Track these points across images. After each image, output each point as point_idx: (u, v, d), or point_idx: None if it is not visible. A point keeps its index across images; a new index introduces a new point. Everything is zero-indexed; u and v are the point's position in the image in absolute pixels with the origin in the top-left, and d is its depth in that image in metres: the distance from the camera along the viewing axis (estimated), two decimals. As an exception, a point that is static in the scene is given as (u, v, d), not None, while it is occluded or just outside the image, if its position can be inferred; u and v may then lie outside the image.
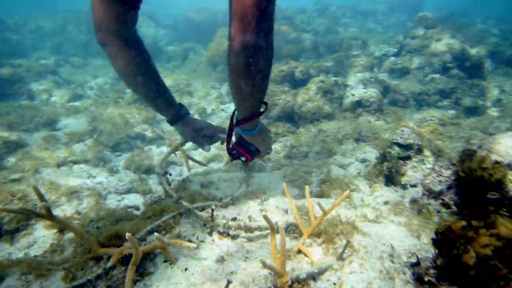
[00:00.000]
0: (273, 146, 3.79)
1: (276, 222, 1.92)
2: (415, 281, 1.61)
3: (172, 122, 2.19)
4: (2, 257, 1.66)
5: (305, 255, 1.73)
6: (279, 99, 4.49)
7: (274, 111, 4.50)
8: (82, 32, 10.18)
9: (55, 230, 2.01)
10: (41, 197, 1.41)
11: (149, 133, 3.93)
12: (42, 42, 9.95)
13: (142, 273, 1.45)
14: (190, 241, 1.65)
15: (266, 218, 1.44)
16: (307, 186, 2.64)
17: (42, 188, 2.29)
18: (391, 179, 2.72)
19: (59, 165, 2.90)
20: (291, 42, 7.59)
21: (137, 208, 2.38)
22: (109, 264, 1.42)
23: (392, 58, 6.30)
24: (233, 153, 2.06)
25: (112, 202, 2.43)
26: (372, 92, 4.45)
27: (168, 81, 6.05)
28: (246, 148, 2.05)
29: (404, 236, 2.07)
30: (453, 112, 4.90)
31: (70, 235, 2.00)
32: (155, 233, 1.35)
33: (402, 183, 2.63)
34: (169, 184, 2.20)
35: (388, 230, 2.11)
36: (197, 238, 1.67)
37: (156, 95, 2.05)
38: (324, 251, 1.77)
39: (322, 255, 1.75)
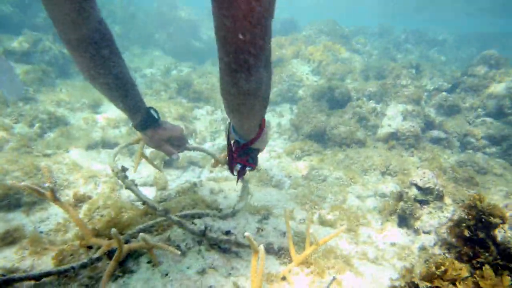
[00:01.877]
0: (295, 164, 3.78)
1: (270, 243, 1.91)
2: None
3: (138, 128, 1.86)
4: (16, 227, 1.82)
5: (289, 283, 1.72)
6: (314, 117, 4.47)
7: (306, 128, 4.47)
8: (148, 23, 10.80)
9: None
10: (49, 177, 1.53)
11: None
12: (111, 28, 10.66)
13: (124, 270, 1.52)
14: (178, 246, 1.70)
15: (249, 239, 1.45)
16: (311, 211, 2.62)
17: (65, 167, 2.49)
18: (404, 221, 2.60)
19: (89, 148, 3.11)
20: (341, 61, 7.49)
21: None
22: (96, 255, 1.51)
23: (444, 94, 5.98)
24: (239, 171, 2.03)
25: (127, 192, 2.56)
26: (410, 126, 4.27)
27: (213, 80, 6.27)
28: (246, 157, 1.98)
29: (400, 285, 1.97)
30: (501, 161, 4.55)
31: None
32: (141, 234, 1.42)
33: (416, 227, 2.50)
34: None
35: (386, 274, 2.02)
36: (186, 245, 1.72)
37: (119, 99, 1.75)
38: (309, 283, 1.74)
39: (307, 286, 1.73)
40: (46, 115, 3.38)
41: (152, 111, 1.85)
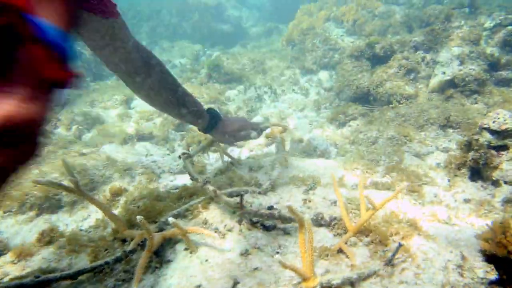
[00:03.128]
0: (341, 130, 3.46)
1: (319, 213, 1.69)
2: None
3: (208, 130, 2.02)
4: (52, 227, 1.78)
5: (347, 256, 1.48)
6: (354, 79, 4.08)
7: (348, 92, 4.11)
8: (173, 15, 10.83)
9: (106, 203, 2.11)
10: (69, 171, 1.43)
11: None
12: (139, 26, 10.87)
13: (161, 260, 1.39)
14: (216, 229, 1.54)
15: (291, 209, 1.23)
16: (363, 175, 2.33)
17: (100, 163, 2.44)
18: (478, 173, 2.22)
19: (124, 141, 3.07)
20: (378, 17, 6.86)
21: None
22: (130, 247, 1.39)
23: (509, 28, 5.20)
24: None
25: (165, 181, 2.47)
26: (470, 70, 3.73)
27: (243, 60, 6.06)
28: None
29: (484, 246, 1.65)
30: None
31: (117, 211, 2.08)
32: (170, 218, 1.27)
33: (494, 178, 2.12)
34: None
35: (463, 235, 1.70)
36: (225, 226, 1.55)
37: (180, 111, 1.85)
38: (371, 254, 1.49)
39: (368, 258, 1.48)
40: (81, 116, 3.42)
41: (212, 110, 2.04)
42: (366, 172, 2.39)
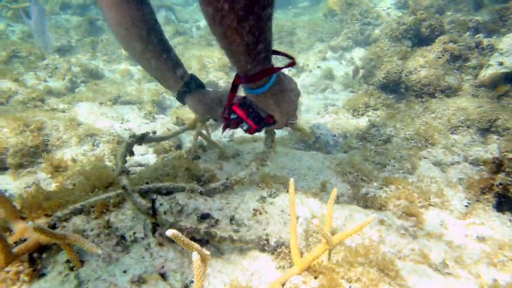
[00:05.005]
0: (357, 120, 2.96)
1: (266, 234, 1.31)
2: None
3: (181, 97, 1.77)
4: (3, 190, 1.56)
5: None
6: (387, 61, 3.46)
7: (378, 76, 3.51)
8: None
9: (50, 175, 1.88)
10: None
11: (222, 83, 3.55)
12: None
13: (31, 272, 1.10)
14: (122, 236, 1.21)
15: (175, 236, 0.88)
16: (350, 185, 1.83)
17: (61, 123, 2.18)
18: (508, 202, 1.68)
19: (110, 102, 2.80)
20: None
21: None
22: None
23: None
24: (229, 118, 1.47)
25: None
26: (535, 63, 2.97)
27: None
28: (251, 112, 1.44)
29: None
30: None
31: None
32: (30, 223, 0.96)
33: (527, 215, 1.58)
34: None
35: (458, 294, 1.24)
36: (133, 234, 1.22)
37: (158, 66, 1.68)
38: (313, 304, 1.10)
39: (308, 309, 1.09)
40: (78, 67, 3.20)
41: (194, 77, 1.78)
42: (361, 179, 1.93)
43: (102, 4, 1.54)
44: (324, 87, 3.94)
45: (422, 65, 3.06)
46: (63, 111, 2.50)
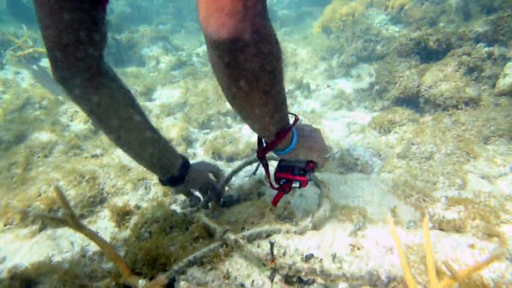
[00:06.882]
0: (386, 137, 3.01)
1: (373, 269, 1.30)
2: None
3: (172, 183, 1.62)
4: (43, 260, 1.50)
5: None
6: (401, 76, 3.57)
7: (393, 91, 3.61)
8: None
9: (114, 223, 1.82)
10: (64, 204, 1.13)
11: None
12: (165, 7, 10.58)
13: None
14: (242, 285, 1.18)
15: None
16: (422, 209, 1.86)
17: (111, 170, 2.14)
18: None
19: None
20: (429, 1, 6.15)
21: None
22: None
23: None
24: (281, 185, 1.49)
25: (180, 196, 2.14)
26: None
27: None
28: (292, 170, 1.47)
29: None
30: None
31: (126, 233, 1.78)
32: (141, 281, 0.92)
33: None
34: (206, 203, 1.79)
35: None
36: (252, 283, 1.19)
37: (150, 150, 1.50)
38: None
39: None
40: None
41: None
42: (423, 200, 1.96)
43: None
44: (338, 106, 4.00)
45: (441, 79, 3.17)
46: (101, 156, 2.43)
